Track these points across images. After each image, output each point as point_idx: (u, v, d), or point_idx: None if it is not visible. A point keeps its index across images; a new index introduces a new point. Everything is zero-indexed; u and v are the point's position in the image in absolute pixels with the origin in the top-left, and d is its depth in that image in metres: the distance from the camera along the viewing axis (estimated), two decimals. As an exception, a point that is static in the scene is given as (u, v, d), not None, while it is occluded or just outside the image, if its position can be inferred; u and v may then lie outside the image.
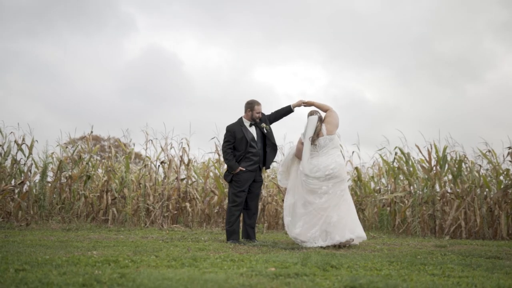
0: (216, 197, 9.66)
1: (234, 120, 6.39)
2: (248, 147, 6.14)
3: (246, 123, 6.28)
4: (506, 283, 3.08)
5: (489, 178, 9.20)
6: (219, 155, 9.90)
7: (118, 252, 4.42)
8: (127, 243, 5.54)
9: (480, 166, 9.32)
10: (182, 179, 9.73)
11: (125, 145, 10.27)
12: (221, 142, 6.44)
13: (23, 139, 9.30)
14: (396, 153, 9.73)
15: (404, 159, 9.59)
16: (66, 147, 9.93)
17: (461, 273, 3.50)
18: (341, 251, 5.16)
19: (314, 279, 3.11)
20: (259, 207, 9.44)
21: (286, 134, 11.52)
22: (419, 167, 9.41)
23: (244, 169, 6.07)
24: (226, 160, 6.21)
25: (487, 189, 8.97)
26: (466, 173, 9.29)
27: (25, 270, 3.20)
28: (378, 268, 3.70)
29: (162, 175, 9.94)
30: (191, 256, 4.14)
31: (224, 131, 6.32)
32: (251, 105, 6.25)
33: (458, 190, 9.02)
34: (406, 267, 3.80)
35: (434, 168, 9.20)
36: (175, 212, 9.50)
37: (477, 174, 9.14)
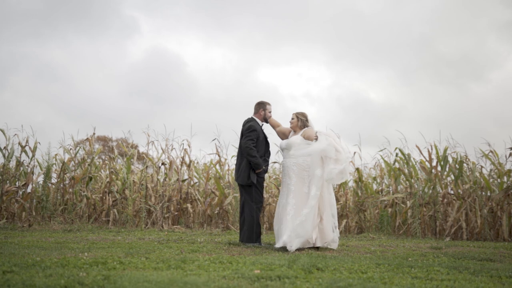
0: (216, 198, 9.71)
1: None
2: (268, 148, 6.14)
3: (260, 123, 6.21)
4: (487, 286, 3.08)
5: (491, 179, 9.12)
6: (219, 156, 9.95)
7: (110, 254, 4.48)
8: (122, 245, 5.61)
9: (482, 166, 9.23)
10: (184, 180, 9.80)
11: (127, 146, 10.37)
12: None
13: (27, 141, 9.46)
14: (396, 154, 9.69)
15: (404, 160, 9.56)
16: (70, 149, 10.06)
17: (445, 276, 3.50)
18: (333, 253, 5.17)
19: (295, 282, 3.13)
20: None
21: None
22: (420, 168, 9.36)
23: (265, 168, 6.04)
24: (254, 157, 5.83)
25: (489, 190, 8.89)
26: (468, 173, 9.22)
27: (13, 272, 3.27)
28: (364, 270, 3.71)
29: (164, 176, 10.02)
30: (181, 258, 4.18)
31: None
32: (263, 105, 6.20)
33: (459, 191, 8.96)
34: (392, 269, 3.80)
35: (433, 169, 9.15)
36: (176, 213, 9.57)
37: (478, 175, 9.07)
